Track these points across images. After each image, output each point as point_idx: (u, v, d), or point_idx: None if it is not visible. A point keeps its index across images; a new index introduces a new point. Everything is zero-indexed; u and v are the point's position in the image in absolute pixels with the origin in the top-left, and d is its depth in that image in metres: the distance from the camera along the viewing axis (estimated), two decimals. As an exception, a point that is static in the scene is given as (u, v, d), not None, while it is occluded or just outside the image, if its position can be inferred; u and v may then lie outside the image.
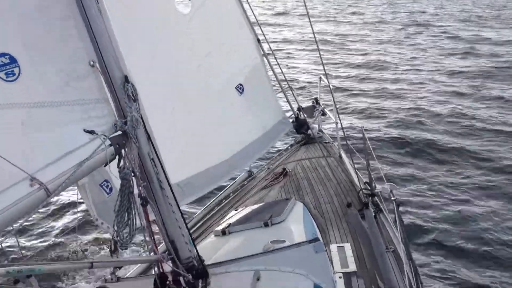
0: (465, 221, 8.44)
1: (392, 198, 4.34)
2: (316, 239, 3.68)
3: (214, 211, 6.11)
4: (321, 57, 5.16)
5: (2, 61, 2.31)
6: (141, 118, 3.03)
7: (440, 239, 7.91)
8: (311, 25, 5.50)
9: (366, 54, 24.65)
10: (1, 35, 2.36)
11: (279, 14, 39.82)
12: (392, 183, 4.67)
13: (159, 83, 4.85)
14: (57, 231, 8.36)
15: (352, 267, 4.18)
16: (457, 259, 7.37)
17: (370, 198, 5.17)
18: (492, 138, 12.64)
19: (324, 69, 5.75)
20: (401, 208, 4.40)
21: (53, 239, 8.11)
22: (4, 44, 2.35)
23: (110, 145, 2.74)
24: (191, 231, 3.89)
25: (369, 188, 5.28)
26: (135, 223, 2.94)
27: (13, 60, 2.36)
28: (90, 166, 2.56)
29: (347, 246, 4.56)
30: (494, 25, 30.63)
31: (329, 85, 6.14)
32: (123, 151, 2.87)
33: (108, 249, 3.19)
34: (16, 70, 2.36)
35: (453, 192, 9.61)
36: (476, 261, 7.36)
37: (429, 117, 14.42)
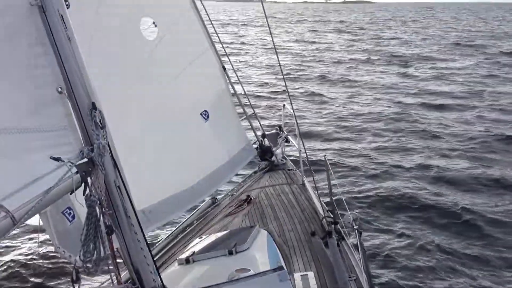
0: (427, 247, 8.47)
1: (355, 227, 4.41)
2: (281, 268, 3.69)
3: (177, 239, 6.04)
4: (285, 84, 5.27)
5: None
6: (108, 145, 3.01)
7: (401, 266, 7.92)
8: (276, 52, 5.60)
9: (329, 81, 25.26)
10: None
11: (243, 43, 40.57)
12: (354, 212, 4.74)
13: (122, 109, 4.82)
14: (19, 258, 8.08)
15: None
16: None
17: (333, 226, 5.23)
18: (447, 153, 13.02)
19: (289, 96, 5.86)
20: (364, 235, 4.48)
21: (16, 268, 7.83)
22: None
23: (77, 172, 2.70)
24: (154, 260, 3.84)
25: (332, 216, 5.34)
26: (101, 252, 2.89)
27: None
28: (57, 194, 2.51)
29: (311, 275, 4.58)
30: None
31: (293, 113, 6.22)
32: (89, 178, 2.84)
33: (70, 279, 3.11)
34: None
35: (416, 219, 9.70)
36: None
37: (394, 144, 14.79)
